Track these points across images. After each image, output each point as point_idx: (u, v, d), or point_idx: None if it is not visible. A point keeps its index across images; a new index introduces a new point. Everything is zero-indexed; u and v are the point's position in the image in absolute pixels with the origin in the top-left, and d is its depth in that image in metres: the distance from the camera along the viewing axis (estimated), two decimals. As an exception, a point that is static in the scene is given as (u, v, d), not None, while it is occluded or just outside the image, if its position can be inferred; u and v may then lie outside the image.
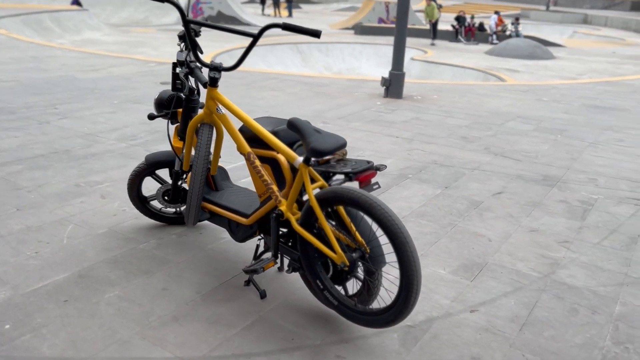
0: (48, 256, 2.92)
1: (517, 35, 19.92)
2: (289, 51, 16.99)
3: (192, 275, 2.80)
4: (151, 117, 2.93)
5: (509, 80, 11.83)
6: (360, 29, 21.69)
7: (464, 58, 15.68)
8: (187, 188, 3.32)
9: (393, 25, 20.05)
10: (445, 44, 19.61)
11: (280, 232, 2.46)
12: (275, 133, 2.32)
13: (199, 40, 2.93)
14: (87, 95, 6.89)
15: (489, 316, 2.56)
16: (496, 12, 21.06)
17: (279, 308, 2.55)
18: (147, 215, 3.30)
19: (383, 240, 2.46)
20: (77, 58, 9.99)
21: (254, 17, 27.49)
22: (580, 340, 2.41)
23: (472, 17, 21.39)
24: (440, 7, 19.90)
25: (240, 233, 2.69)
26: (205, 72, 7.42)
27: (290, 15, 30.51)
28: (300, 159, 2.17)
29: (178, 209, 3.32)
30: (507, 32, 20.53)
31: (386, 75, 7.61)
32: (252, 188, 3.98)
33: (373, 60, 17.81)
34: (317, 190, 2.31)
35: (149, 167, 3.10)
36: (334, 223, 2.21)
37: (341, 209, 2.16)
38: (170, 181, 3.20)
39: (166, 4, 23.92)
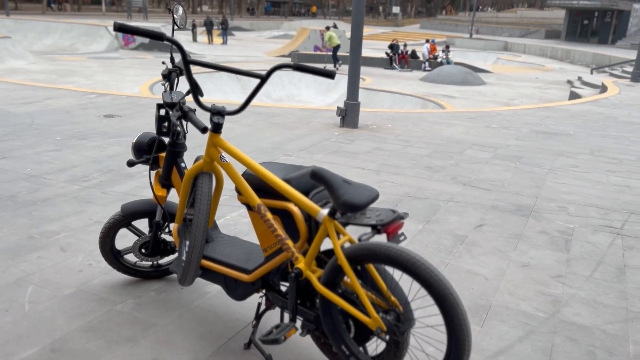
0: (9, 327, 2.52)
1: (448, 62, 20.68)
2: (227, 79, 16.70)
3: (184, 341, 2.50)
4: (130, 163, 2.63)
5: (447, 106, 12.11)
6: (297, 57, 21.77)
7: (401, 85, 16.00)
8: (168, 240, 3.01)
9: (330, 53, 20.24)
10: (380, 71, 19.99)
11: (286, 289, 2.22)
12: (287, 181, 2.09)
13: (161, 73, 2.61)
14: (24, 132, 6.32)
15: (511, 366, 2.43)
16: (428, 40, 21.79)
17: (290, 374, 2.29)
18: (120, 271, 2.96)
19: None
20: (6, 90, 9.26)
21: (187, 44, 27.03)
22: (608, 387, 2.32)
23: (405, 45, 22.03)
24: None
25: (239, 290, 2.42)
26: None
27: (225, 42, 30.23)
28: (325, 211, 1.96)
29: (155, 262, 3.00)
30: (439, 60, 21.27)
31: (338, 104, 7.54)
32: (224, 230, 3.70)
33: (313, 87, 17.83)
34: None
35: (126, 218, 2.78)
36: (360, 282, 2.00)
37: (371, 266, 1.95)
38: (147, 232, 2.89)
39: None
